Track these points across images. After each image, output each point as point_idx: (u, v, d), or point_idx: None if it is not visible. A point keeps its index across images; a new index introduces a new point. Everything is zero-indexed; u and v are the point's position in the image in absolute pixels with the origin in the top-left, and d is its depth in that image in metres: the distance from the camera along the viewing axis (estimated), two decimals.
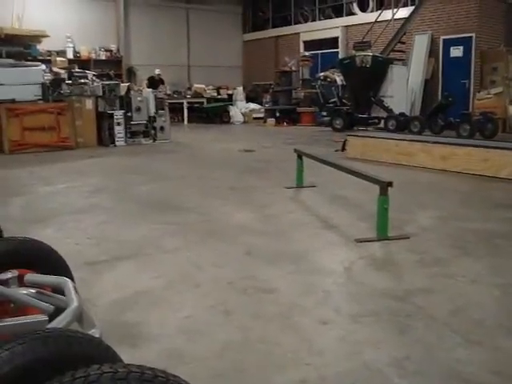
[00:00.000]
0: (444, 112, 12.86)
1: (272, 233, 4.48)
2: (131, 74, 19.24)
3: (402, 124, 13.08)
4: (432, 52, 15.52)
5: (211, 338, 2.57)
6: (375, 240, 4.15)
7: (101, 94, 11.10)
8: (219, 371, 2.25)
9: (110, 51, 18.92)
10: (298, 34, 20.21)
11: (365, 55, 14.29)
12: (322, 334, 2.63)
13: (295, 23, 20.50)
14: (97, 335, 1.72)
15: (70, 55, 17.61)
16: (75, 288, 1.96)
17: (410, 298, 3.05)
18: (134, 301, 3.03)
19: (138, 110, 11.28)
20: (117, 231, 4.50)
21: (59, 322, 1.70)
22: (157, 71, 17.22)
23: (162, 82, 17.33)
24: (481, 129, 11.87)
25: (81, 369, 1.17)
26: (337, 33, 18.63)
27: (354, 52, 15.01)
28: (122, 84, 12.25)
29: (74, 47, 17.89)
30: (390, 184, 4.09)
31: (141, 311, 2.89)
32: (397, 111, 13.73)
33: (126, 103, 11.24)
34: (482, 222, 4.80)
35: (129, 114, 11.20)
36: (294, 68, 18.55)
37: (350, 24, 18.26)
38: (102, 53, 18.71)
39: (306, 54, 18.81)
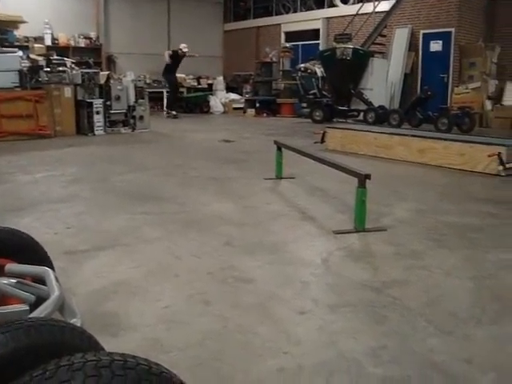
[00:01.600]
0: (423, 106, 13.00)
1: (251, 223, 4.51)
2: (111, 62, 19.06)
3: (381, 117, 13.20)
4: (412, 46, 15.64)
5: (191, 328, 2.60)
6: (353, 232, 4.21)
7: (80, 82, 10.97)
8: (199, 360, 2.29)
9: (90, 39, 18.67)
10: (279, 24, 20.17)
11: (345, 47, 14.35)
12: (300, 323, 2.67)
13: (276, 14, 20.45)
14: (78, 324, 1.73)
15: (48, 42, 17.35)
16: (56, 278, 1.98)
17: (386, 290, 3.11)
18: (114, 290, 3.04)
19: (118, 98, 11.20)
20: (96, 221, 4.50)
21: (41, 312, 1.71)
22: (182, 46, 15.94)
23: (184, 55, 16.02)
24: (458, 123, 12.03)
25: (64, 357, 1.19)
26: (318, 24, 18.64)
27: (334, 44, 15.06)
28: (101, 72, 12.15)
29: (52, 34, 17.61)
30: (367, 176, 4.15)
31: (120, 301, 2.90)
32: (376, 104, 13.84)
33: (105, 92, 11.15)
34: (458, 215, 4.89)
35: (108, 103, 11.11)
36: (274, 59, 18.56)
37: (332, 16, 18.28)
38: (81, 40, 18.45)
39: (287, 45, 18.81)
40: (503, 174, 6.86)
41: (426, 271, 3.46)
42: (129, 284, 3.14)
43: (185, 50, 15.84)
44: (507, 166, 6.90)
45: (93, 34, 18.75)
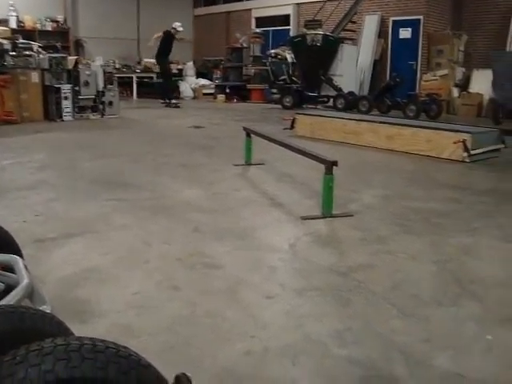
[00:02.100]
0: (392, 92, 13.16)
1: (220, 210, 4.56)
2: (79, 46, 18.76)
3: (351, 103, 13.33)
4: (382, 33, 15.77)
5: (160, 313, 2.64)
6: (320, 217, 4.29)
7: (47, 66, 10.79)
8: (168, 344, 2.33)
9: (57, 22, 18.34)
10: (250, 10, 20.11)
11: (315, 34, 14.39)
12: (267, 308, 2.74)
13: None
14: (48, 311, 1.76)
15: (14, 25, 16.96)
16: (25, 266, 1.99)
17: (352, 274, 3.20)
18: (84, 277, 3.06)
19: (87, 84, 11.06)
20: (65, 208, 4.49)
21: (10, 299, 1.73)
22: (176, 25, 14.82)
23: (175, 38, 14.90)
24: (426, 110, 12.22)
25: (34, 342, 1.23)
26: (288, 10, 18.64)
27: (304, 30, 15.09)
28: (69, 57, 11.95)
29: (17, 16, 17.25)
30: (334, 163, 4.22)
31: (90, 287, 2.93)
32: (346, 90, 13.95)
33: (73, 77, 10.99)
34: (423, 201, 5.01)
35: (77, 88, 10.96)
36: (244, 44, 18.50)
37: (302, 2, 18.28)
38: (47, 23, 18.11)
39: (258, 30, 18.77)
40: (468, 161, 7.02)
41: (391, 256, 3.55)
42: (99, 271, 3.16)
43: (179, 29, 14.77)
44: (472, 152, 7.07)
45: (60, 18, 18.41)
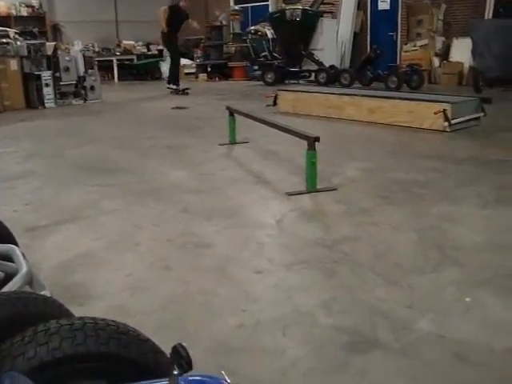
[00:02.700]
0: (373, 64, 13.21)
1: (207, 190, 4.65)
2: (57, 31, 18.53)
3: (333, 77, 13.36)
4: (360, 5, 15.74)
5: (154, 293, 2.75)
6: (305, 192, 4.40)
7: (26, 54, 10.71)
8: (163, 322, 2.44)
9: (32, 7, 18.04)
10: None
11: (295, 9, 14.36)
12: (257, 282, 2.86)
13: None
14: (48, 296, 1.86)
15: None
16: (23, 254, 2.09)
17: (337, 246, 3.32)
18: (78, 263, 3.15)
19: (67, 70, 11.00)
20: (54, 196, 4.55)
21: (12, 287, 1.83)
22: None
23: (187, 16, 12.54)
24: (407, 80, 12.29)
25: (40, 324, 1.33)
26: None
27: (283, 5, 15.04)
28: (47, 43, 11.85)
29: None
30: (316, 139, 4.31)
31: (85, 272, 3.02)
32: (327, 64, 13.97)
33: (53, 63, 10.92)
34: (405, 172, 5.13)
35: (57, 75, 10.89)
36: (224, 22, 18.41)
37: None
38: (22, 8, 17.79)
39: (236, 7, 18.65)
40: (448, 130, 7.14)
41: (374, 227, 3.68)
42: (92, 255, 3.26)
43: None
44: (452, 122, 7.18)
45: (35, 2, 18.11)
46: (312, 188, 4.41)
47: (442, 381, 2.01)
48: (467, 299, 2.61)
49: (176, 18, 12.27)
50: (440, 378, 2.03)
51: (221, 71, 17.50)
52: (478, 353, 2.17)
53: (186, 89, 12.95)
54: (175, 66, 12.86)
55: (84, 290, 2.79)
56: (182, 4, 12.25)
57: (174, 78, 12.78)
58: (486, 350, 2.19)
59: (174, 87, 12.90)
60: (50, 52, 11.06)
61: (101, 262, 3.17)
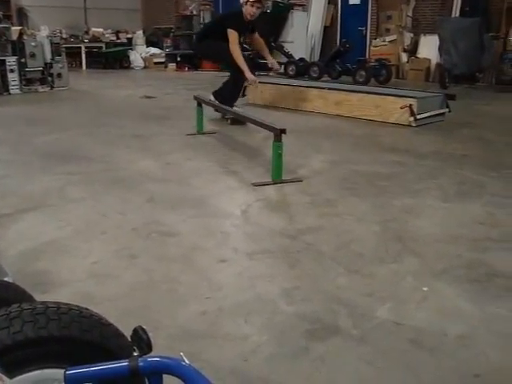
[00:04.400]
0: (342, 58, 13.33)
1: (174, 180, 4.67)
2: (22, 15, 18.15)
3: (302, 69, 13.45)
4: None
5: (119, 281, 2.77)
6: (271, 183, 4.45)
7: None
8: (128, 309, 2.46)
9: None
10: None
11: (266, 0, 14.36)
12: (221, 271, 2.90)
13: None
14: (11, 282, 1.86)
15: None
16: None
17: (301, 236, 3.38)
18: (42, 250, 3.14)
19: (33, 56, 10.80)
20: (19, 184, 4.50)
21: None
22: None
23: (253, 29, 7.98)
24: (376, 75, 12.47)
25: (2, 308, 1.34)
26: None
27: None
28: (12, 27, 11.63)
29: None
30: (283, 131, 4.36)
31: (49, 260, 3.02)
32: (297, 57, 14.06)
33: (18, 49, 10.71)
34: (369, 164, 5.22)
35: (23, 61, 10.70)
36: (194, 12, 18.31)
37: None
38: None
39: None
40: (414, 125, 7.28)
41: (338, 218, 3.75)
42: (57, 243, 3.25)
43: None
44: (418, 117, 7.33)
45: None
46: (278, 179, 4.46)
47: (398, 365, 2.08)
48: (424, 288, 2.70)
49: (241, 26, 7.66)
50: (396, 362, 2.10)
51: (190, 61, 17.43)
52: (432, 339, 2.25)
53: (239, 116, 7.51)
54: (237, 86, 7.86)
55: (48, 278, 2.79)
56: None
57: (232, 98, 7.59)
58: (440, 336, 2.27)
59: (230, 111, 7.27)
60: (15, 37, 10.84)
61: (66, 249, 3.17)
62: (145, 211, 3.84)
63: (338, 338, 2.27)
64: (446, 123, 7.59)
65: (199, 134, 6.50)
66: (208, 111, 6.43)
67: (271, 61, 8.40)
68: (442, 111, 7.82)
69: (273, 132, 4.43)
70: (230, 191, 4.37)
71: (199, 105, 6.43)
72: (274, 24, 14.33)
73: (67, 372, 1.14)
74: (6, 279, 1.97)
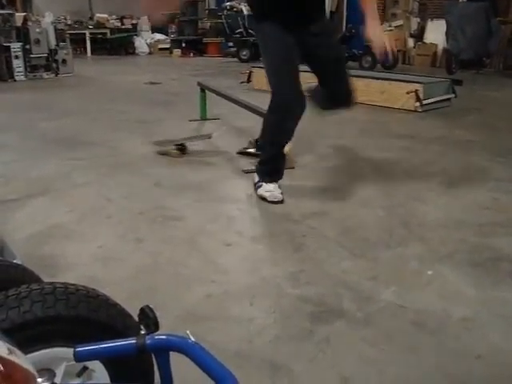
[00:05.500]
0: (348, 44, 13.24)
1: (178, 165, 4.67)
2: (26, 2, 18.08)
3: None
4: None
5: (125, 264, 2.79)
6: None
7: None
8: (134, 292, 2.49)
9: None
10: None
11: None
12: (226, 254, 2.92)
13: None
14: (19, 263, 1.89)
15: None
16: None
17: (305, 221, 3.39)
18: (49, 235, 3.17)
19: (38, 42, 10.79)
20: (25, 169, 4.53)
21: None
22: None
23: None
24: (382, 60, 12.37)
25: (11, 289, 1.36)
26: None
27: None
28: (17, 13, 11.60)
29: None
30: None
31: (56, 244, 3.04)
32: None
33: (23, 35, 10.70)
34: (375, 150, 5.21)
35: (27, 47, 10.68)
36: None
37: None
38: None
39: None
40: (420, 110, 7.26)
41: (342, 203, 3.75)
42: (64, 228, 3.27)
43: None
44: (424, 102, 7.30)
45: None
46: None
47: (401, 347, 2.10)
48: (429, 272, 2.71)
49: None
50: (399, 344, 2.12)
51: (195, 47, 17.39)
52: (435, 321, 2.27)
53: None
54: None
55: (55, 261, 2.82)
56: None
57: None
58: (443, 318, 2.29)
59: None
60: (19, 23, 10.82)
61: (72, 234, 3.19)
62: (151, 195, 3.86)
63: (342, 320, 2.29)
64: (452, 109, 7.56)
65: (202, 120, 6.50)
66: (214, 96, 6.40)
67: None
68: (448, 97, 7.78)
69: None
70: (234, 176, 4.37)
71: (202, 91, 6.43)
72: None
73: (76, 349, 1.16)
74: (15, 260, 2.00)
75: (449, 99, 7.79)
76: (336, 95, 3.84)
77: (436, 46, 13.74)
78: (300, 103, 3.60)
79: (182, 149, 4.93)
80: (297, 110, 3.59)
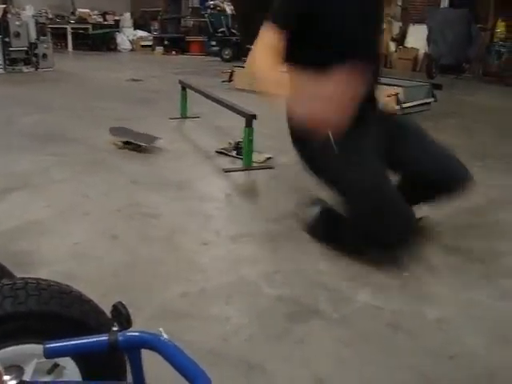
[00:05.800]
0: None
1: (155, 163, 4.65)
2: None
3: None
4: None
5: (101, 261, 2.76)
6: (241, 170, 4.45)
7: None
8: (110, 289, 2.46)
9: None
10: None
11: None
12: (203, 253, 2.90)
13: None
14: None
15: None
16: None
17: (283, 221, 3.39)
18: (25, 230, 3.12)
19: (17, 35, 10.63)
20: (3, 164, 4.46)
21: None
22: None
23: None
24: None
25: None
26: None
27: None
28: None
29: None
30: (253, 116, 4.32)
31: (32, 240, 3.00)
32: None
33: (2, 28, 10.54)
34: None
35: (7, 40, 10.54)
36: None
37: None
38: None
39: None
40: (400, 113, 7.31)
41: None
42: (40, 223, 3.23)
43: None
44: (404, 105, 7.36)
45: None
46: (248, 165, 4.44)
47: (376, 347, 2.11)
48: (405, 274, 2.73)
49: None
50: (375, 344, 2.13)
51: (178, 45, 17.32)
52: (411, 323, 2.28)
53: None
54: None
55: (30, 258, 2.78)
56: None
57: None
58: (418, 319, 2.31)
59: None
60: None
61: (49, 230, 3.15)
62: (128, 193, 3.82)
63: (318, 321, 2.29)
64: (431, 113, 7.62)
65: (183, 118, 6.48)
66: (195, 94, 6.38)
67: None
68: (427, 101, 7.86)
69: (244, 117, 4.38)
70: (212, 175, 4.35)
71: (183, 89, 6.41)
72: (261, 9, 14.22)
73: (46, 345, 1.15)
74: None
75: (428, 103, 7.86)
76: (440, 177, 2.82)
77: (417, 50, 13.87)
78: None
79: (128, 144, 4.96)
80: None
